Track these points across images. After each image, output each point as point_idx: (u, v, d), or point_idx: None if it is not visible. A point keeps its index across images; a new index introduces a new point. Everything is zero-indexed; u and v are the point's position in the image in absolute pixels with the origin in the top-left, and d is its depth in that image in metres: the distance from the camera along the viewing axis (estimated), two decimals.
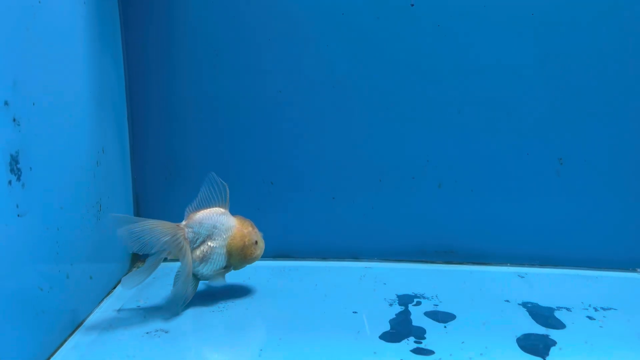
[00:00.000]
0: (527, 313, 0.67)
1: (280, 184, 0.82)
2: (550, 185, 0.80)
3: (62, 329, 0.60)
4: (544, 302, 0.69)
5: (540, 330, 0.63)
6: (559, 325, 0.64)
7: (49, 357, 0.57)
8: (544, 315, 0.66)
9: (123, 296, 0.71)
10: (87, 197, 0.67)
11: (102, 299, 0.70)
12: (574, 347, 0.59)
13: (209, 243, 0.67)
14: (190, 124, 0.81)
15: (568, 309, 0.68)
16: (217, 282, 0.70)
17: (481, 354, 0.58)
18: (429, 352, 0.58)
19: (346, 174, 0.82)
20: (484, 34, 0.77)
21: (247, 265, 0.71)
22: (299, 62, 0.79)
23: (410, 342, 0.60)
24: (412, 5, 0.77)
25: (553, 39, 0.76)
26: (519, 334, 0.62)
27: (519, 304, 0.69)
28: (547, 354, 0.58)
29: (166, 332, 0.62)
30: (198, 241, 0.67)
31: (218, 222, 0.68)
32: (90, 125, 0.68)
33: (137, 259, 0.83)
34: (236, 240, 0.68)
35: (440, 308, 0.68)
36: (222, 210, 0.69)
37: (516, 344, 0.60)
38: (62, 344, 0.59)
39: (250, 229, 0.69)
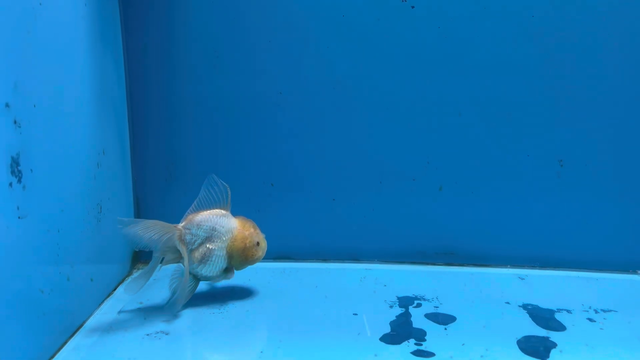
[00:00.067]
0: (527, 315, 0.67)
1: (280, 186, 0.82)
2: (551, 187, 0.80)
3: (62, 330, 0.60)
4: (544, 304, 0.69)
5: (540, 332, 0.63)
6: (560, 327, 0.64)
7: (50, 359, 0.57)
8: (544, 317, 0.66)
9: (123, 298, 0.71)
10: (87, 198, 0.67)
11: (103, 301, 0.70)
12: (575, 349, 0.59)
13: (208, 245, 0.67)
14: (191, 125, 0.81)
15: (568, 311, 0.68)
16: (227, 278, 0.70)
17: (481, 356, 0.58)
18: (430, 354, 0.58)
19: (346, 176, 0.82)
20: (484, 36, 0.77)
21: (249, 267, 0.71)
22: (299, 63, 0.79)
23: (410, 344, 0.60)
24: (413, 7, 0.77)
25: (553, 40, 0.76)
26: (519, 336, 0.62)
27: (519, 306, 0.69)
28: (548, 356, 0.58)
29: (167, 333, 0.62)
30: (196, 243, 0.67)
31: (218, 224, 0.68)
32: (91, 126, 0.68)
33: (138, 260, 0.83)
34: (237, 242, 0.68)
35: (441, 310, 0.68)
36: (223, 212, 0.69)
37: (517, 346, 0.60)
38: (62, 346, 0.59)
39: (251, 230, 0.69)
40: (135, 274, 0.80)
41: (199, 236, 0.67)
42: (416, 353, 0.58)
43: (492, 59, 0.77)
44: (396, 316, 0.66)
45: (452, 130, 0.79)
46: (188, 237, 0.67)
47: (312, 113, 0.80)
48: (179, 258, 0.67)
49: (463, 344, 0.60)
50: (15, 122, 0.51)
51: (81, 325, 0.64)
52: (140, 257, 0.83)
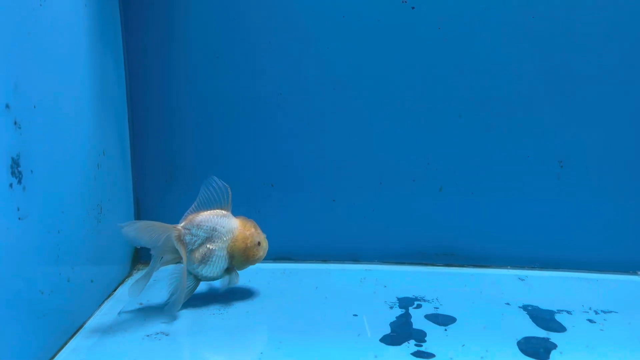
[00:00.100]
0: (527, 316, 0.67)
1: (280, 186, 0.82)
2: (551, 188, 0.80)
3: (62, 331, 0.60)
4: (544, 305, 0.69)
5: (541, 333, 0.63)
6: (560, 328, 0.64)
7: None
8: (544, 318, 0.66)
9: (123, 299, 0.71)
10: (87, 199, 0.67)
11: (103, 302, 0.70)
12: (575, 351, 0.59)
13: (208, 245, 0.67)
14: (191, 126, 0.81)
15: (569, 312, 0.68)
16: (232, 282, 0.70)
17: (482, 357, 0.58)
18: (430, 355, 0.58)
19: (347, 176, 0.82)
20: (484, 37, 0.77)
21: (249, 268, 0.71)
22: (299, 64, 0.79)
23: (410, 345, 0.60)
24: (413, 8, 0.77)
25: (553, 42, 0.76)
26: (519, 337, 0.62)
27: (519, 307, 0.69)
28: (548, 357, 0.58)
29: (167, 334, 0.62)
30: (196, 243, 0.67)
31: (218, 225, 0.68)
32: (91, 127, 0.68)
33: (138, 261, 0.83)
34: (238, 242, 0.68)
35: (441, 311, 0.68)
36: (224, 212, 0.69)
37: (517, 347, 0.60)
38: (62, 347, 0.59)
39: (252, 230, 0.69)
40: (136, 275, 0.80)
41: (199, 236, 0.67)
42: (416, 354, 0.58)
43: (492, 60, 0.77)
44: (396, 317, 0.66)
45: (453, 131, 0.79)
46: (188, 238, 0.67)
47: (312, 114, 0.80)
48: (178, 258, 0.67)
49: (463, 345, 0.60)
50: (15, 123, 0.51)
51: (81, 326, 0.64)
52: (140, 257, 0.83)
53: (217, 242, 0.68)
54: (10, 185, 0.50)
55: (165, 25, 0.79)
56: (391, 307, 0.69)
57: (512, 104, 0.78)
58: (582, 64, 0.76)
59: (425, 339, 0.61)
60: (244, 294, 0.72)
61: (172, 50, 0.80)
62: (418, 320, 0.66)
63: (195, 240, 0.67)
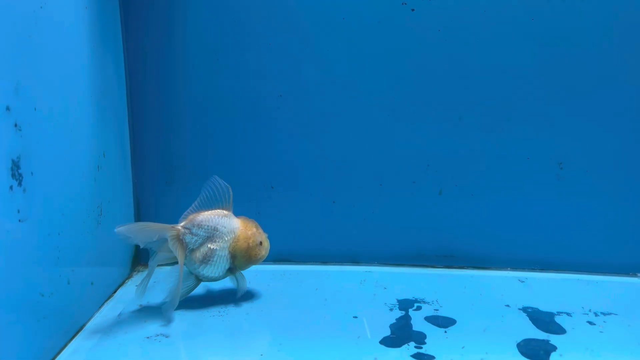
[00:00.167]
0: (527, 318, 0.67)
1: (280, 188, 0.83)
2: (551, 190, 0.80)
3: (62, 333, 0.60)
4: (544, 307, 0.69)
5: (540, 335, 0.63)
6: (560, 330, 0.64)
7: None
8: (544, 320, 0.66)
9: (123, 300, 0.71)
10: (88, 201, 0.67)
11: (103, 303, 0.70)
12: (575, 353, 0.59)
13: (210, 245, 0.67)
14: (191, 127, 0.82)
15: (568, 314, 0.68)
16: (241, 287, 0.70)
17: (481, 359, 0.58)
18: (430, 357, 0.58)
19: (347, 178, 0.82)
20: (484, 39, 0.77)
21: (248, 269, 0.71)
22: (299, 66, 0.79)
23: (410, 347, 0.60)
24: (413, 10, 0.77)
25: (553, 44, 0.76)
26: (519, 339, 0.62)
27: (519, 309, 0.69)
28: None
29: (167, 336, 0.62)
30: (197, 243, 0.67)
31: (219, 225, 0.68)
32: (91, 129, 0.68)
33: (138, 262, 0.83)
34: (240, 242, 0.68)
35: (441, 313, 0.68)
36: (225, 212, 0.69)
37: (516, 349, 0.60)
38: (62, 349, 0.59)
39: (254, 230, 0.70)
40: (136, 276, 0.80)
41: (200, 236, 0.67)
42: (416, 356, 0.58)
43: (492, 63, 0.77)
44: (396, 319, 0.66)
45: (453, 134, 0.79)
46: (188, 237, 0.67)
47: (312, 116, 0.80)
48: (175, 258, 0.67)
49: (463, 347, 0.60)
50: (16, 125, 0.51)
51: (81, 328, 0.64)
52: (140, 259, 0.83)
53: (219, 242, 0.68)
54: (11, 187, 0.50)
55: (165, 27, 0.79)
56: (391, 309, 0.69)
57: (512, 106, 0.78)
58: (582, 66, 0.76)
59: (425, 341, 0.61)
60: (244, 295, 0.72)
61: (172, 52, 0.80)
62: (418, 322, 0.66)
63: (196, 240, 0.67)
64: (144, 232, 0.64)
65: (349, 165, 0.81)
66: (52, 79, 0.58)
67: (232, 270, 0.69)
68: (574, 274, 0.80)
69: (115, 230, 0.62)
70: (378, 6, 0.77)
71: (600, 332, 0.64)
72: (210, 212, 0.68)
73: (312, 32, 0.78)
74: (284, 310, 0.69)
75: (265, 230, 0.71)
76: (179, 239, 0.67)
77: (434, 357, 0.58)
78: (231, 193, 0.69)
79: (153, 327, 0.64)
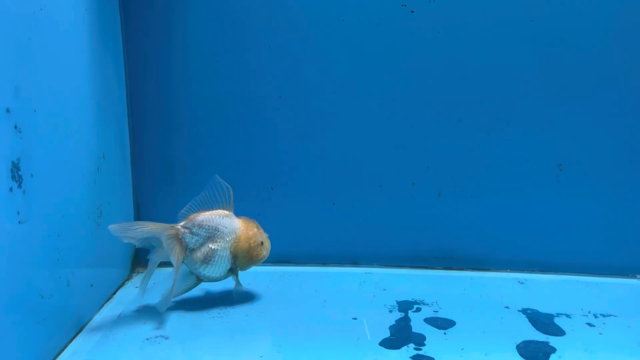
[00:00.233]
0: (526, 319, 0.67)
1: (280, 190, 0.83)
2: (550, 191, 0.80)
3: (62, 335, 0.60)
4: (543, 309, 0.69)
5: (540, 337, 0.63)
6: (559, 332, 0.64)
7: None
8: (543, 321, 0.66)
9: (123, 301, 0.71)
10: (87, 203, 0.67)
11: (103, 305, 0.70)
12: (574, 354, 0.59)
13: (211, 245, 0.68)
14: (191, 129, 0.82)
15: (568, 316, 0.68)
16: (237, 291, 0.70)
17: None
18: (429, 359, 0.58)
19: (346, 180, 0.82)
20: (483, 41, 0.77)
21: (248, 270, 0.71)
22: (299, 68, 0.79)
23: (410, 349, 0.60)
24: (413, 11, 0.77)
25: (553, 45, 0.76)
26: (518, 341, 0.62)
27: (518, 311, 0.69)
28: None
29: (166, 338, 0.62)
30: (198, 243, 0.67)
31: (221, 225, 0.68)
32: (91, 131, 0.68)
33: (138, 264, 0.83)
34: (241, 242, 0.69)
35: (440, 314, 0.68)
36: (226, 212, 0.69)
37: (516, 351, 0.60)
38: (62, 350, 0.59)
39: (255, 230, 0.70)
40: (136, 278, 0.80)
41: (201, 236, 0.67)
42: (415, 358, 0.58)
43: (492, 64, 0.77)
44: (395, 320, 0.66)
45: (452, 135, 0.79)
46: (188, 237, 0.67)
47: (312, 117, 0.80)
48: (171, 254, 0.67)
49: (462, 349, 0.60)
50: (15, 127, 0.51)
51: (81, 329, 0.64)
52: (140, 260, 0.83)
53: (220, 242, 0.68)
54: (11, 189, 0.50)
55: (165, 28, 0.79)
56: (390, 311, 0.69)
57: (512, 107, 0.78)
58: (581, 67, 0.76)
59: (425, 342, 0.61)
60: (244, 297, 0.72)
61: (172, 54, 0.80)
62: (417, 323, 0.66)
63: (197, 240, 0.67)
64: (138, 231, 0.64)
65: (348, 167, 0.81)
66: (52, 80, 0.58)
67: (233, 270, 0.70)
68: (574, 276, 0.80)
69: (109, 227, 0.62)
70: (378, 8, 0.77)
71: (600, 333, 0.64)
72: (211, 212, 0.69)
73: (312, 33, 0.79)
74: (283, 311, 0.69)
75: (265, 231, 0.71)
76: (178, 238, 0.67)
77: (433, 359, 0.58)
78: (232, 193, 0.69)
79: (153, 329, 0.64)
